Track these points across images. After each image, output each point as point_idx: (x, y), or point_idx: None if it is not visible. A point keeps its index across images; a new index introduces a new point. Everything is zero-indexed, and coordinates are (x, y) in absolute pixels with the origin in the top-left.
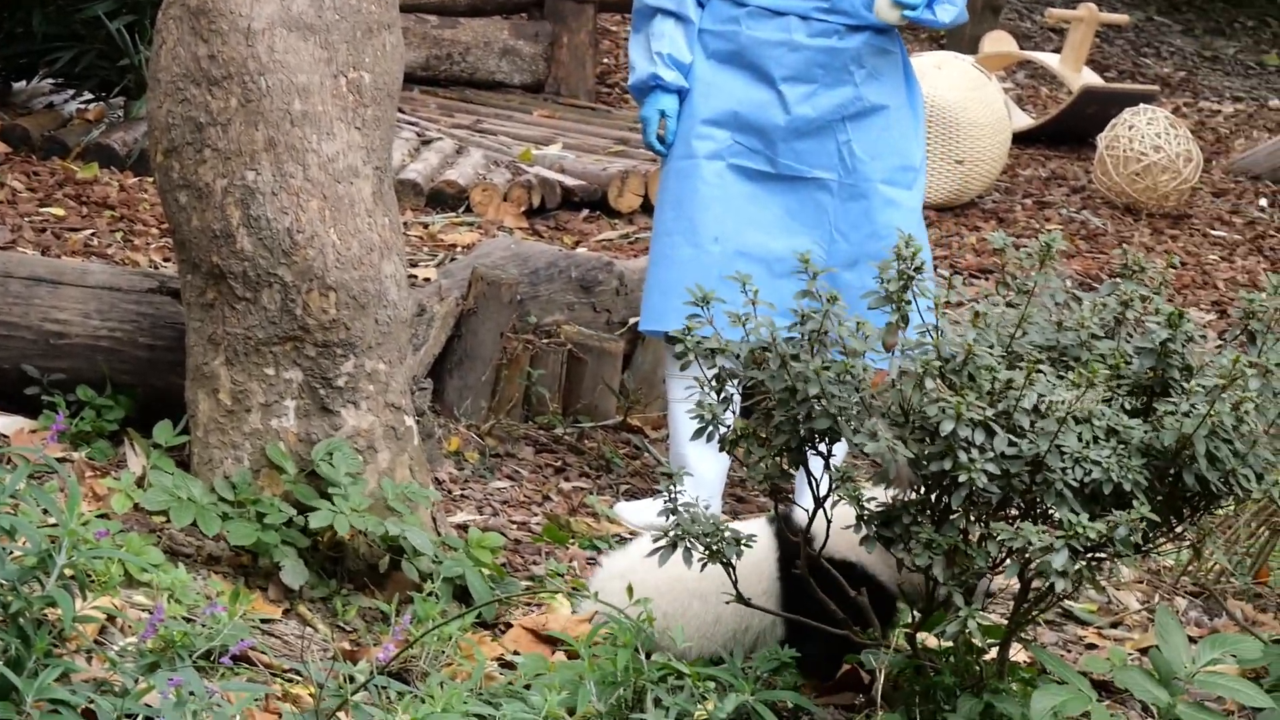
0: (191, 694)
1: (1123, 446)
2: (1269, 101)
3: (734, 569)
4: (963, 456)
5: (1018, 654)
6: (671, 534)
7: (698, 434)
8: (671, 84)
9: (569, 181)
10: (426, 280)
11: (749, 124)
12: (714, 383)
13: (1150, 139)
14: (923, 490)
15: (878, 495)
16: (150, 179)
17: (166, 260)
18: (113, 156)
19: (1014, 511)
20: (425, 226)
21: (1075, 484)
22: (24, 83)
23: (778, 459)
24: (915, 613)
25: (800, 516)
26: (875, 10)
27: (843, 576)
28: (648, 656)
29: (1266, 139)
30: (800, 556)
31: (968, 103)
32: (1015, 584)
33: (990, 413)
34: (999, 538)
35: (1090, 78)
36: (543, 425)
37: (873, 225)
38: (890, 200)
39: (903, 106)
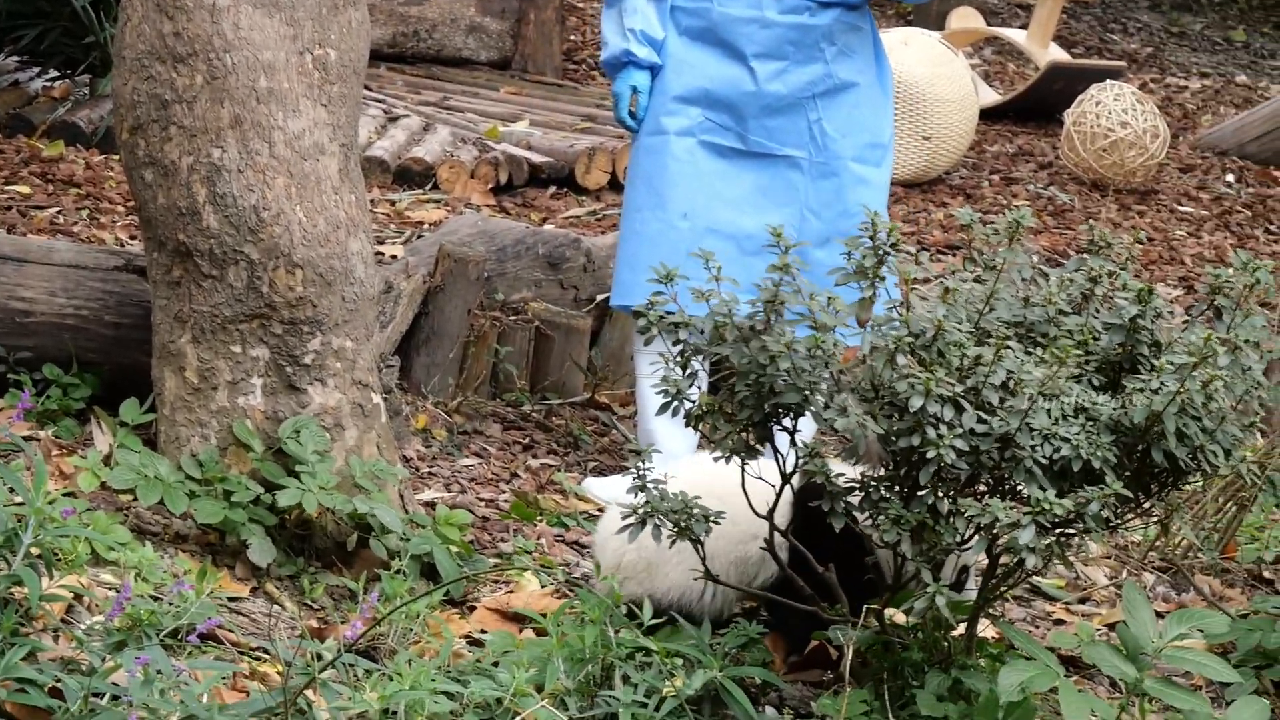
0: (159, 672)
1: (1092, 423)
2: (1236, 77)
3: (702, 545)
4: (931, 433)
5: (985, 630)
6: (640, 511)
7: (663, 409)
8: (644, 60)
9: (536, 158)
10: (394, 258)
11: (720, 101)
12: (679, 358)
13: (1117, 115)
14: (891, 466)
15: (846, 471)
16: (116, 156)
17: (133, 238)
18: (78, 134)
19: (982, 488)
20: (392, 204)
21: (1044, 461)
22: None
23: (743, 434)
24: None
25: (835, 467)
26: None
27: (854, 540)
28: (617, 632)
29: (1233, 114)
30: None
31: (935, 79)
32: (984, 560)
33: (959, 389)
34: (967, 514)
35: (1057, 54)
36: (510, 402)
37: (844, 203)
38: (861, 178)
39: (873, 84)
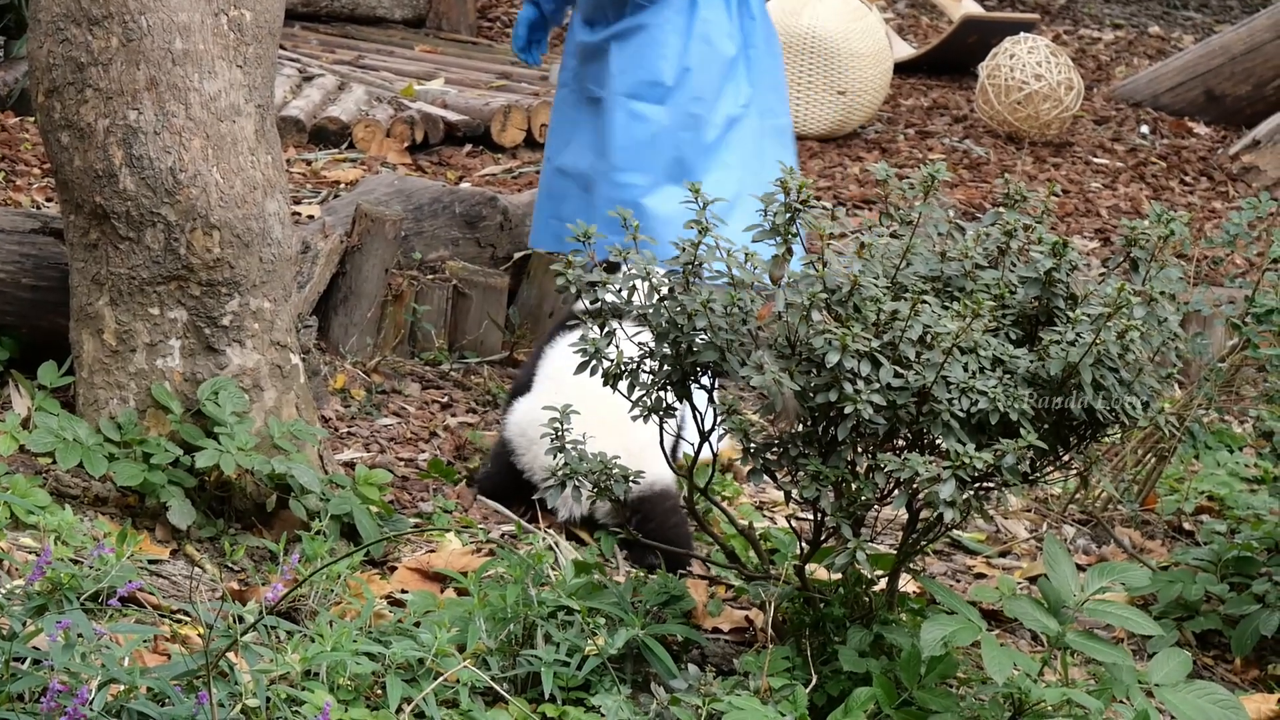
0: (80, 636)
1: (1009, 376)
2: (1149, 28)
3: (624, 504)
4: (849, 388)
5: (907, 585)
6: (560, 472)
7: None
8: None
9: (451, 116)
10: (310, 217)
11: (574, 52)
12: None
13: (1031, 67)
14: (809, 423)
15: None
16: (32, 119)
17: (49, 201)
18: None
19: (901, 443)
20: (308, 163)
21: (962, 414)
22: None
23: (662, 393)
24: (804, 544)
25: None
26: None
27: None
28: (540, 589)
29: (1147, 66)
30: None
31: (849, 33)
32: (904, 515)
33: (876, 344)
34: (886, 469)
35: (970, 7)
36: (429, 361)
37: (613, 137)
38: (636, 114)
39: (666, 26)
